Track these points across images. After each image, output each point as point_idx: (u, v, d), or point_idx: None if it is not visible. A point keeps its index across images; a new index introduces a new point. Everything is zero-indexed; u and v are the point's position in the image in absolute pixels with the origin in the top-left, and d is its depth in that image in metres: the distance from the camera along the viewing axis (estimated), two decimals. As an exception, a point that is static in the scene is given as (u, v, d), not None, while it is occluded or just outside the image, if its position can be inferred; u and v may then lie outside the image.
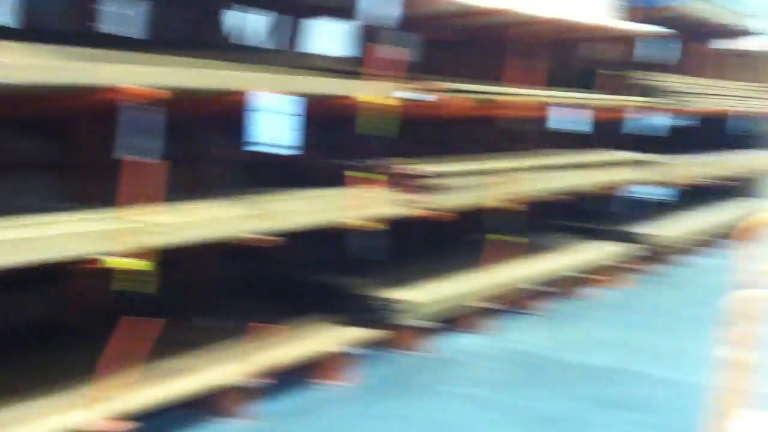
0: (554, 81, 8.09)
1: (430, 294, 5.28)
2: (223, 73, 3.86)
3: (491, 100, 5.93)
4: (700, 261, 8.70)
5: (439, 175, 5.29)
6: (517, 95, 5.92)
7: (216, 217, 3.89)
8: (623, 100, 7.52)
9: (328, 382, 4.54)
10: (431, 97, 5.08)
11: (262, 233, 4.03)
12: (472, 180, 5.61)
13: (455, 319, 5.54)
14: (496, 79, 6.43)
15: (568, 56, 8.88)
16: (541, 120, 7.35)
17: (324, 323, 4.87)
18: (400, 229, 6.52)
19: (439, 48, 6.84)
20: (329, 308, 5.04)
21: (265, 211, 4.13)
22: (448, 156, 6.24)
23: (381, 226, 4.84)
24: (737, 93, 10.47)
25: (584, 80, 7.56)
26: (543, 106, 6.58)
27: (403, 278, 5.57)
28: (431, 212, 5.18)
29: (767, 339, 3.61)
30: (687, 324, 6.21)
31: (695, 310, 6.62)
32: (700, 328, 5.87)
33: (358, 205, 4.74)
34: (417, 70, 6.14)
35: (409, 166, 5.17)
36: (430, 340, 5.21)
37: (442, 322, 5.34)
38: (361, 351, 4.79)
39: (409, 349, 5.12)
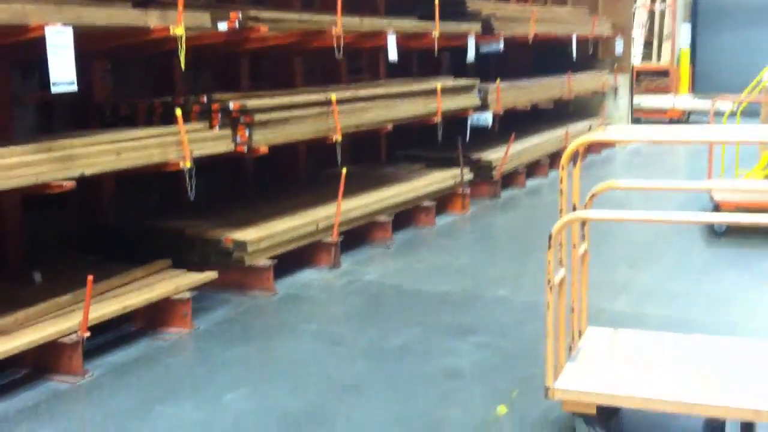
0: (391, 9, 8.04)
1: (269, 231, 5.11)
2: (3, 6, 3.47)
3: (314, 30, 5.75)
4: (537, 183, 8.96)
5: (262, 109, 5.08)
6: (338, 24, 5.72)
7: (8, 165, 3.55)
8: (457, 28, 7.50)
9: (167, 330, 4.32)
10: (226, 26, 4.87)
11: (63, 179, 3.74)
12: (299, 112, 5.43)
13: (297, 255, 5.41)
14: (326, 9, 6.25)
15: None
16: (373, 49, 7.27)
17: (158, 270, 4.64)
18: (231, 167, 6.35)
19: None
20: (162, 254, 4.80)
21: (65, 155, 3.81)
22: (276, 89, 6.02)
23: (201, 165, 4.63)
24: (573, 17, 10.76)
25: (421, 8, 7.47)
26: (372, 35, 6.46)
27: (240, 218, 5.38)
28: (255, 148, 5.00)
29: (596, 258, 3.72)
30: (525, 245, 6.36)
31: (532, 231, 6.81)
32: (537, 248, 6.05)
33: (174, 144, 4.49)
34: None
35: (230, 101, 4.93)
36: (273, 279, 5.06)
37: (284, 259, 5.20)
38: (201, 295, 4.60)
39: (251, 289, 4.96)
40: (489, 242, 6.59)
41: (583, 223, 3.66)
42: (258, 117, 5.03)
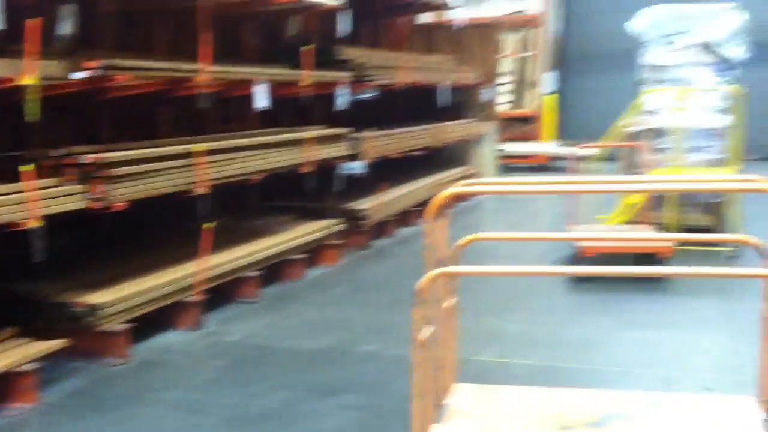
0: (262, 57, 7.94)
1: (126, 292, 4.84)
2: None
3: (181, 78, 5.58)
4: (407, 232, 8.97)
5: (120, 162, 4.84)
6: (205, 72, 5.58)
7: None
8: (327, 76, 7.47)
9: (9, 406, 3.97)
10: (83, 75, 4.64)
11: None
12: (162, 165, 5.21)
13: (158, 317, 5.14)
14: (195, 58, 6.08)
15: (274, 31, 8.74)
16: (241, 98, 7.13)
17: (2, 339, 4.28)
18: (88, 223, 6.02)
19: (113, 21, 6.35)
20: (9, 320, 4.44)
21: None
22: (140, 139, 5.78)
23: (55, 222, 4.35)
24: (441, 65, 10.97)
25: (290, 56, 7.41)
26: (241, 83, 6.34)
27: (95, 278, 5.07)
28: (112, 204, 4.75)
29: (463, 307, 3.68)
30: (394, 297, 6.29)
31: (402, 282, 6.78)
32: (407, 299, 6.01)
33: (20, 202, 4.19)
34: (87, 45, 5.62)
35: (84, 155, 4.67)
36: (129, 344, 4.77)
37: (143, 321, 4.92)
38: (50, 365, 4.27)
39: (105, 356, 4.65)
40: (359, 295, 6.51)
41: (449, 276, 3.62)
42: (115, 171, 4.78)
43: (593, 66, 16.54)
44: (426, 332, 3.34)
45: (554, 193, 3.54)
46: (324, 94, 7.91)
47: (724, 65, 8.33)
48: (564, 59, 17.04)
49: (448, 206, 3.77)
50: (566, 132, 16.37)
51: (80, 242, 6.08)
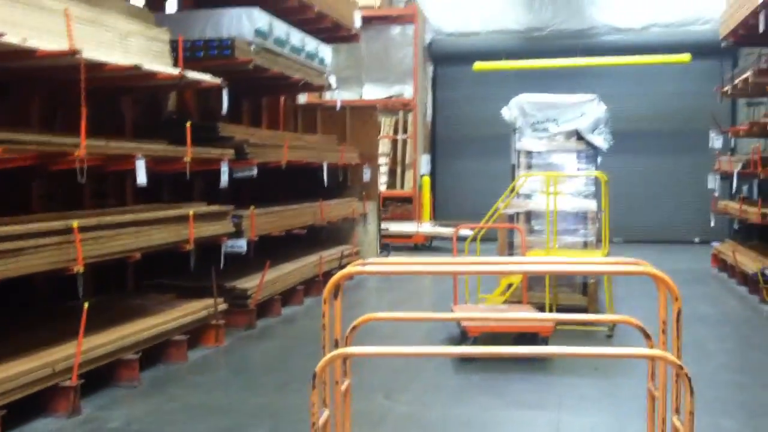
0: (141, 131, 7.78)
1: (-6, 378, 4.51)
2: None
3: (55, 152, 5.38)
4: (292, 311, 8.86)
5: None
6: (81, 146, 5.38)
7: None
8: (208, 153, 7.39)
9: None
10: None
11: None
12: (35, 242, 4.93)
13: (30, 403, 4.80)
14: (71, 131, 5.88)
15: (153, 105, 8.61)
16: (119, 172, 6.93)
17: None
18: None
19: None
20: None
21: None
22: (9, 215, 5.49)
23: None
24: (322, 144, 11.10)
25: (169, 131, 7.30)
26: (120, 158, 6.17)
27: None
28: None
29: (358, 393, 3.64)
30: (282, 378, 6.16)
31: (289, 363, 6.66)
32: (295, 380, 5.90)
33: None
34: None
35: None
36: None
37: (14, 408, 4.58)
38: None
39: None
40: (246, 376, 6.33)
41: (345, 358, 3.59)
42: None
43: (463, 150, 17.21)
44: (324, 416, 3.28)
45: (443, 273, 3.62)
46: (205, 171, 7.81)
47: (589, 152, 8.86)
48: (436, 142, 17.65)
49: (334, 286, 3.77)
50: (441, 212, 16.82)
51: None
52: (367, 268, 3.98)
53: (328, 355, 3.16)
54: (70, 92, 5.90)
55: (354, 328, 3.67)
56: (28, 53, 5.11)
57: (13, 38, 4.87)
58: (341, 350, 3.45)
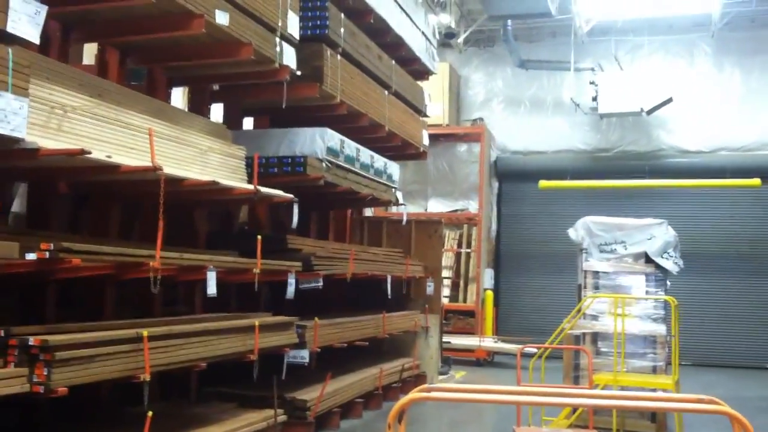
0: (211, 242, 8.01)
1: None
2: None
3: (131, 263, 5.58)
4: (350, 424, 8.77)
5: (65, 345, 4.72)
6: (156, 258, 5.58)
7: None
8: (276, 265, 7.54)
9: None
10: (35, 256, 4.63)
11: None
12: (107, 350, 5.08)
13: None
14: (146, 240, 6.11)
15: (224, 217, 8.89)
16: (191, 281, 7.12)
17: None
18: (24, 405, 5.75)
19: (66, 202, 6.43)
20: None
21: None
22: (84, 319, 5.67)
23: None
24: (387, 257, 11.21)
25: (242, 242, 7.51)
26: (192, 269, 6.35)
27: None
28: (54, 389, 4.58)
29: None
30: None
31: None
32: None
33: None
34: (39, 224, 5.63)
35: (30, 336, 4.56)
36: None
37: None
38: None
39: None
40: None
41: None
42: (59, 354, 4.65)
43: (526, 266, 17.14)
44: None
45: (505, 402, 3.58)
46: (272, 281, 7.95)
47: (658, 275, 8.74)
48: (500, 258, 17.61)
49: (400, 408, 3.75)
50: (503, 327, 16.61)
51: (13, 426, 5.78)
52: (433, 395, 3.97)
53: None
54: (149, 203, 6.16)
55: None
56: (112, 169, 5.40)
57: (98, 155, 5.16)
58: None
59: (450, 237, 16.58)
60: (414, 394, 3.51)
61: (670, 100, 15.61)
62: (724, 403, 3.27)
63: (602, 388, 7.53)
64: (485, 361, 14.72)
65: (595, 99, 15.88)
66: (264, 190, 7.05)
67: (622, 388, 7.68)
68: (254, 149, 7.57)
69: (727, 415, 3.14)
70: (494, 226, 17.55)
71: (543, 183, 16.15)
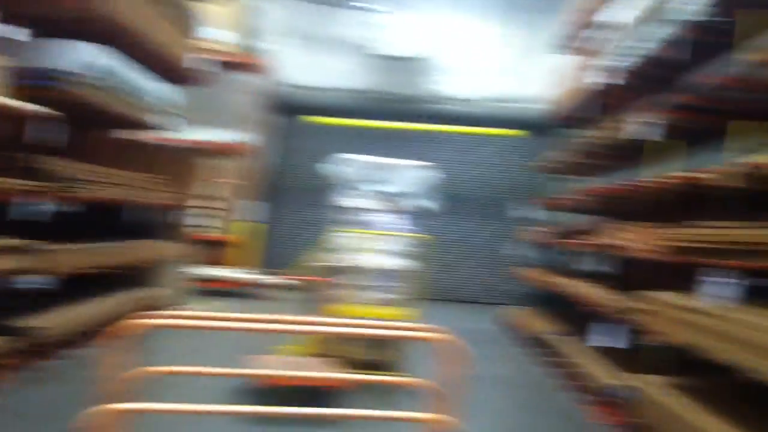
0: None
1: None
2: None
3: None
4: (88, 353, 8.47)
5: None
6: None
7: None
8: (4, 183, 7.03)
9: None
10: None
11: None
12: None
13: None
14: None
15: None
16: None
17: None
18: None
19: None
20: None
21: None
22: None
23: None
24: (134, 183, 10.79)
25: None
26: None
27: None
28: None
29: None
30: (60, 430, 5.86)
31: (70, 413, 6.35)
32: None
33: None
34: None
35: None
36: None
37: None
38: None
39: None
40: (15, 428, 5.97)
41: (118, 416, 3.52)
42: None
43: (303, 200, 17.38)
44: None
45: (224, 329, 3.67)
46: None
47: (414, 214, 9.23)
48: (276, 191, 17.69)
49: (123, 336, 3.71)
50: (273, 261, 16.79)
51: None
52: (153, 322, 3.95)
53: (95, 411, 3.10)
54: None
55: (126, 379, 3.60)
56: None
57: None
58: (109, 405, 3.38)
59: (214, 167, 16.25)
60: (130, 320, 3.47)
61: (442, 49, 16.51)
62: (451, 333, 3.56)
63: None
64: (238, 292, 14.77)
65: (377, 41, 16.45)
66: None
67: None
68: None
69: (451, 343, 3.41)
70: (268, 159, 17.49)
71: (316, 118, 16.44)
